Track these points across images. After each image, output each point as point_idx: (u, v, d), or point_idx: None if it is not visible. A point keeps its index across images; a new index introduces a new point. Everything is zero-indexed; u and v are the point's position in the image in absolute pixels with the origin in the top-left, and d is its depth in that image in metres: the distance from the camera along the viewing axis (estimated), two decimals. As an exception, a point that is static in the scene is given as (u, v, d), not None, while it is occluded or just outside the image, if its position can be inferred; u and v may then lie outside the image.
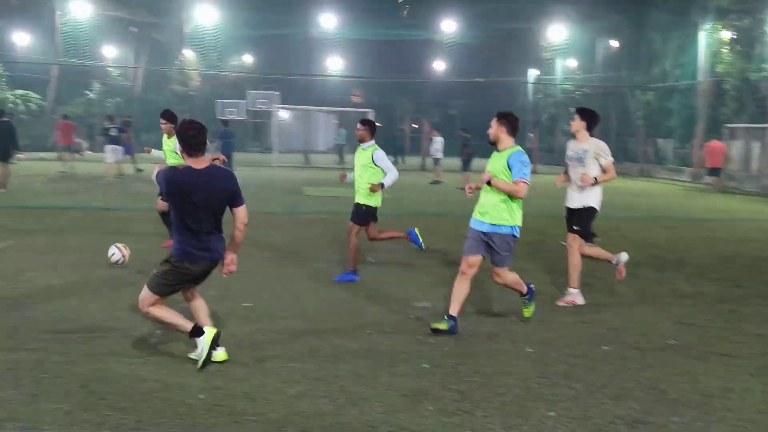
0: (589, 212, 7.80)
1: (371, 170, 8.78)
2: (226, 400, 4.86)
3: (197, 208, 5.41)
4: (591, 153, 7.72)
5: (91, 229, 12.38)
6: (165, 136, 10.41)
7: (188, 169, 5.43)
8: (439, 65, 54.83)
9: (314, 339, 6.29)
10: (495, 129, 6.61)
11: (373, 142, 8.92)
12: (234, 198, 5.59)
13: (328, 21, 40.18)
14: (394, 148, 43.84)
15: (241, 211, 5.65)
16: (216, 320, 6.68)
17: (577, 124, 7.86)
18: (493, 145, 6.68)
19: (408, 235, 9.57)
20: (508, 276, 6.78)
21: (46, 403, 4.67)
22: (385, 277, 9.13)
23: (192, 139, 5.42)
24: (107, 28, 43.98)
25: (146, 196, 17.68)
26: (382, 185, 8.67)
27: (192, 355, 5.51)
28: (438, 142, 26.29)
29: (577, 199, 7.85)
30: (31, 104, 43.91)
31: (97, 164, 26.00)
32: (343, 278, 8.76)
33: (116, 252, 8.86)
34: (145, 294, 5.51)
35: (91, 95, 46.69)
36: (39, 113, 42.61)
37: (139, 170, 24.73)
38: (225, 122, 23.95)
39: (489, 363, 5.80)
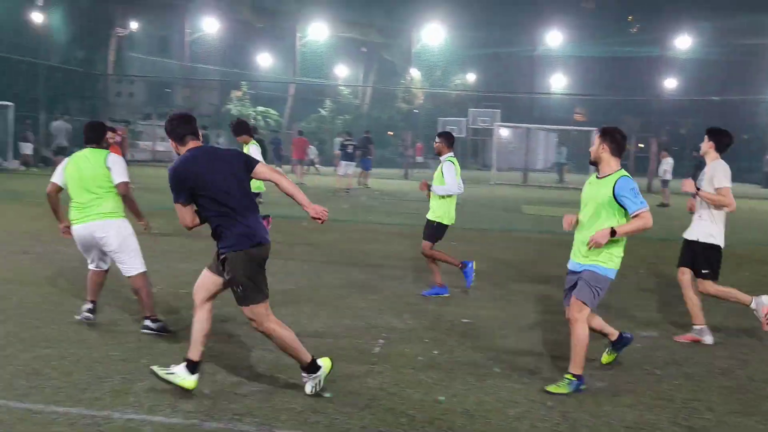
0: (710, 250, 6.89)
1: (440, 182, 8.51)
2: (446, 414, 4.91)
3: (220, 184, 4.96)
4: (708, 175, 6.88)
5: (320, 240, 13.03)
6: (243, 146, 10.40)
7: (185, 156, 5.08)
8: (670, 83, 52.20)
9: (535, 360, 6.20)
10: (596, 147, 5.57)
11: (450, 153, 8.66)
12: (248, 160, 5.16)
13: (553, 39, 39.72)
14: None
15: (263, 166, 5.19)
16: (433, 334, 6.81)
17: (705, 146, 7.03)
18: (595, 166, 5.71)
19: (463, 264, 8.94)
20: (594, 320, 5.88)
21: (281, 402, 4.98)
22: (613, 299, 8.80)
23: (178, 128, 5.11)
24: (340, 48, 46.43)
25: (372, 209, 18.40)
26: (428, 185, 8.39)
27: (159, 370, 5.03)
28: (667, 163, 24.98)
29: (694, 231, 7.04)
30: (269, 120, 47.33)
31: (326, 177, 27.47)
32: (430, 292, 8.58)
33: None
34: (256, 310, 5.14)
35: (323, 112, 49.49)
36: (276, 128, 45.76)
37: (366, 186, 26.17)
38: (439, 135, 24.37)
39: (724, 401, 5.41)
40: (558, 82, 51.29)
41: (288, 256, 10.63)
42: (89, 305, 6.67)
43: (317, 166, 35.25)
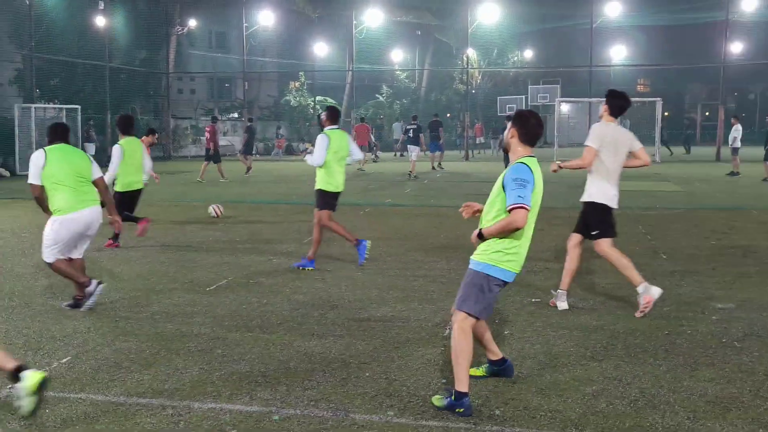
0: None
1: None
2: (520, 394, 4.88)
3: None
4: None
5: (379, 225, 13.06)
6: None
7: None
8: (736, 47, 50.42)
9: (608, 337, 6.11)
10: (507, 133, 5.04)
11: (330, 127, 9.04)
12: None
13: (612, 9, 38.82)
14: (684, 137, 41.27)
15: None
16: (502, 315, 6.77)
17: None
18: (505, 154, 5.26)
19: (357, 242, 9.14)
20: None
21: (353, 388, 5.02)
22: (687, 272, 8.61)
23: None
24: (395, 33, 46.29)
25: (443, 192, 18.33)
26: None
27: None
28: (736, 131, 24.21)
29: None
30: (327, 109, 47.54)
31: (385, 163, 27.45)
32: (301, 264, 8.95)
33: (212, 210, 13.23)
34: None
35: (380, 98, 49.51)
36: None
37: (441, 168, 26.40)
38: (509, 118, 24.04)
39: (808, 373, 5.24)
40: (618, 54, 50.10)
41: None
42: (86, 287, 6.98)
43: (377, 152, 35.35)
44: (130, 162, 10.56)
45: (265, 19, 41.43)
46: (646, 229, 12.12)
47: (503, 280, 4.85)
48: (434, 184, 21.47)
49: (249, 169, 24.69)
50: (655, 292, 6.78)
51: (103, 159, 29.72)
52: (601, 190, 7.05)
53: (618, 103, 7.11)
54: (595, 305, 7.24)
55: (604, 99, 7.18)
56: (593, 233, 7.05)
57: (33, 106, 26.33)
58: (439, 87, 50.99)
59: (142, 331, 6.29)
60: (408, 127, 25.65)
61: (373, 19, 41.08)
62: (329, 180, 8.93)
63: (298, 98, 48.22)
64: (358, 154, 9.67)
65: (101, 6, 32.39)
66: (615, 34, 46.94)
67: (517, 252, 4.99)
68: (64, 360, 5.55)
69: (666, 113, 40.84)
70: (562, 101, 38.21)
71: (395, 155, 36.73)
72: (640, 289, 6.82)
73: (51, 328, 6.39)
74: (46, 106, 27.62)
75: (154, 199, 16.12)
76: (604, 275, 8.50)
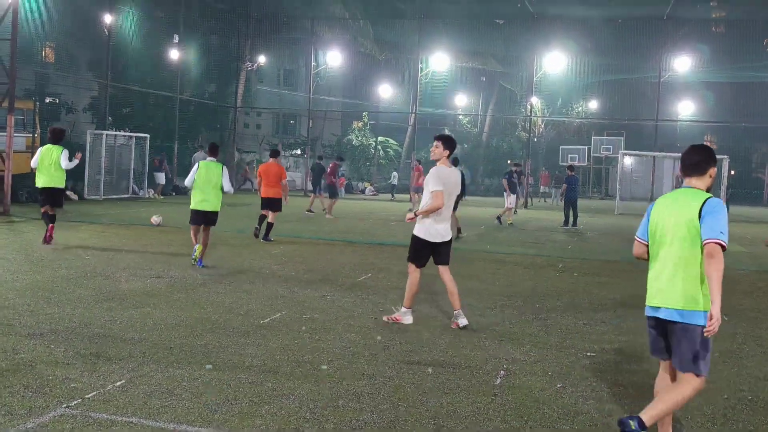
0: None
1: None
2: (571, 450, 4.77)
3: None
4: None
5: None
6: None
7: None
8: (809, 108, 49.30)
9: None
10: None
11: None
12: None
13: (681, 64, 38.43)
14: (750, 196, 40.29)
15: None
16: (556, 367, 6.64)
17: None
18: None
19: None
20: None
21: (402, 431, 4.98)
22: (741, 337, 8.35)
23: None
24: (460, 78, 46.62)
25: (500, 239, 18.22)
26: None
27: None
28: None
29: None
30: (389, 150, 48.00)
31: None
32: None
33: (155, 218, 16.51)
34: None
35: (442, 142, 49.71)
36: (396, 158, 46.31)
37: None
38: (571, 168, 23.80)
39: None
40: (686, 109, 49.47)
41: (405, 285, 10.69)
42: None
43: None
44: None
45: (333, 59, 42.19)
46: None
47: None
48: (493, 230, 21.36)
49: (311, 209, 24.77)
50: (409, 319, 8.16)
51: (167, 188, 30.44)
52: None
53: (454, 147, 8.19)
54: (651, 364, 7.06)
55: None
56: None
57: (105, 132, 27.19)
58: (501, 133, 51.00)
59: (195, 360, 6.36)
60: (513, 170, 24.85)
61: (438, 63, 41.48)
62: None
63: (360, 138, 48.79)
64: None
65: (176, 39, 33.45)
66: (682, 89, 46.43)
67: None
68: (119, 383, 5.64)
69: (732, 171, 40.02)
70: (626, 154, 37.79)
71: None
72: (403, 309, 8.22)
73: (108, 351, 6.51)
74: (117, 133, 28.48)
75: (216, 229, 16.38)
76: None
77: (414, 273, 8.24)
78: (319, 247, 15.31)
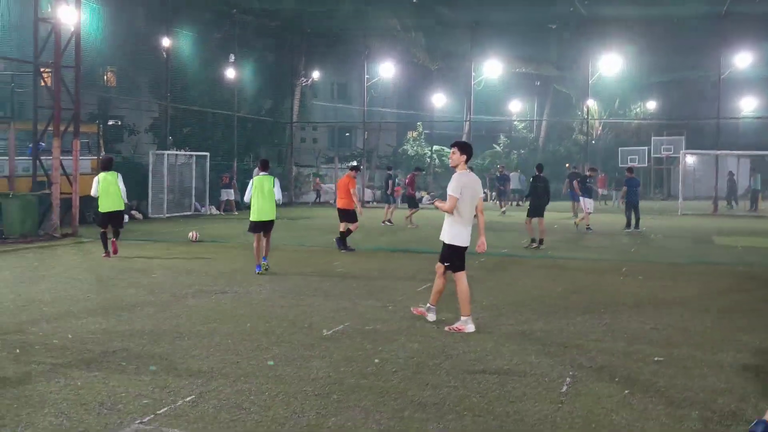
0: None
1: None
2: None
3: None
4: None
5: (497, 276, 12.93)
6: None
7: None
8: None
9: (737, 401, 5.81)
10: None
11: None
12: None
13: (742, 60, 37.45)
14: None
15: None
16: (624, 372, 6.55)
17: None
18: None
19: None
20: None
21: (468, 438, 4.98)
22: None
23: None
24: (514, 84, 46.31)
25: (563, 244, 18.04)
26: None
27: None
28: None
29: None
30: (444, 159, 47.90)
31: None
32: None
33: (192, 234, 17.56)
34: None
35: (498, 148, 49.47)
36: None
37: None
38: (630, 170, 23.34)
39: None
40: (748, 105, 48.16)
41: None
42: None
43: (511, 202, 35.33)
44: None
45: (386, 71, 42.38)
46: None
47: None
48: (553, 235, 21.13)
49: (389, 219, 24.69)
50: (472, 327, 8.21)
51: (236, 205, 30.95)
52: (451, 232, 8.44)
53: (470, 153, 8.46)
54: (723, 366, 6.90)
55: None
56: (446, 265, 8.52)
57: (166, 152, 27.82)
58: (558, 138, 50.40)
59: (262, 373, 6.46)
60: (587, 174, 24.23)
61: (491, 70, 41.31)
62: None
63: (415, 147, 48.83)
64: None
65: (232, 59, 34.04)
66: (744, 85, 45.19)
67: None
68: (188, 398, 5.77)
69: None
70: (688, 153, 36.97)
71: (512, 204, 36.33)
72: (465, 318, 8.26)
73: (177, 366, 6.66)
74: (178, 152, 29.10)
75: (277, 243, 16.64)
76: (735, 336, 8.11)
77: (463, 279, 8.40)
78: (378, 257, 15.37)
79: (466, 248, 8.41)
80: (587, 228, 22.01)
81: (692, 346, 7.66)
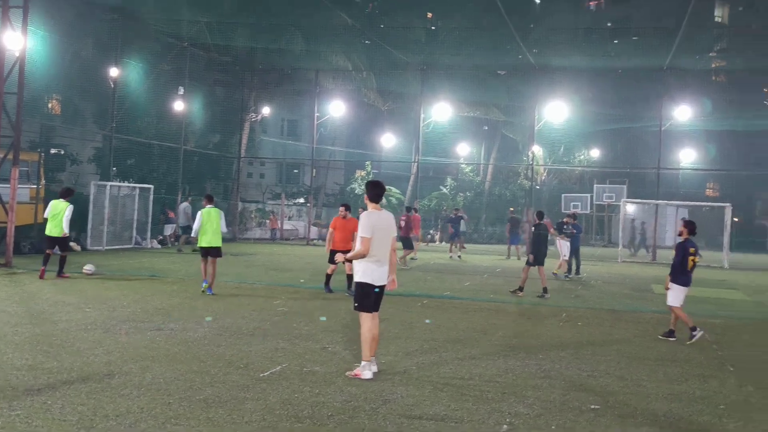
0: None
1: None
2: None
3: None
4: None
5: (436, 318, 12.91)
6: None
7: None
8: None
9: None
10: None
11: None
12: None
13: (682, 113, 38.70)
14: (754, 243, 40.19)
15: None
16: (560, 420, 6.54)
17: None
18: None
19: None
20: None
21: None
22: (748, 388, 8.24)
23: None
24: (462, 127, 46.95)
25: (502, 287, 18.11)
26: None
27: None
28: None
29: None
30: (392, 198, 48.13)
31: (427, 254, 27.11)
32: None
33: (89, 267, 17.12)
34: None
35: (445, 190, 49.94)
36: (398, 206, 46.46)
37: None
38: (573, 216, 23.60)
39: None
40: (687, 157, 49.66)
41: (408, 336, 10.61)
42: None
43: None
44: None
45: (336, 109, 42.58)
46: (712, 338, 11.70)
47: None
48: (495, 279, 21.27)
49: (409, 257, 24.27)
50: (372, 372, 7.92)
51: (168, 238, 30.46)
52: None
53: (376, 191, 8.30)
54: (657, 416, 6.94)
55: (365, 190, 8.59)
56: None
57: (108, 183, 27.31)
58: (504, 181, 51.15)
59: (194, 415, 6.28)
60: (565, 221, 22.86)
61: (441, 113, 41.85)
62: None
63: (363, 186, 48.98)
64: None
65: (181, 92, 33.82)
66: (684, 137, 46.70)
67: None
68: (115, 440, 5.56)
69: (736, 219, 40.01)
70: (628, 202, 37.83)
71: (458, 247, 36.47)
72: (364, 363, 7.96)
73: (105, 406, 6.43)
74: (121, 184, 28.62)
75: (218, 279, 16.39)
76: (671, 386, 8.20)
77: (367, 321, 8.04)
78: (318, 297, 15.22)
79: (376, 288, 8.05)
80: (565, 275, 21.84)
81: (628, 395, 7.71)
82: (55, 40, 25.87)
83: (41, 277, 15.92)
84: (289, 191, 50.92)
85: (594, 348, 10.43)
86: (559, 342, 10.79)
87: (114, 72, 29.16)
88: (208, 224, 14.77)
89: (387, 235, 8.19)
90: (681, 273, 11.29)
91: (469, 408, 6.92)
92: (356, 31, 34.26)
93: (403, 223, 24.52)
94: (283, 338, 10.08)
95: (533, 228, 17.85)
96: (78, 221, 25.16)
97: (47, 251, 16.55)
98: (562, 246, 22.12)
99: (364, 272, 8.08)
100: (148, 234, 29.34)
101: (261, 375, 7.87)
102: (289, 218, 45.42)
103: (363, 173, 50.44)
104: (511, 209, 37.67)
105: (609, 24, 42.18)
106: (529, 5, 45.57)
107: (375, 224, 8.06)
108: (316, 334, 10.49)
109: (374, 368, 8.00)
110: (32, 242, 22.95)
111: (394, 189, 49.81)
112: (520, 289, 16.89)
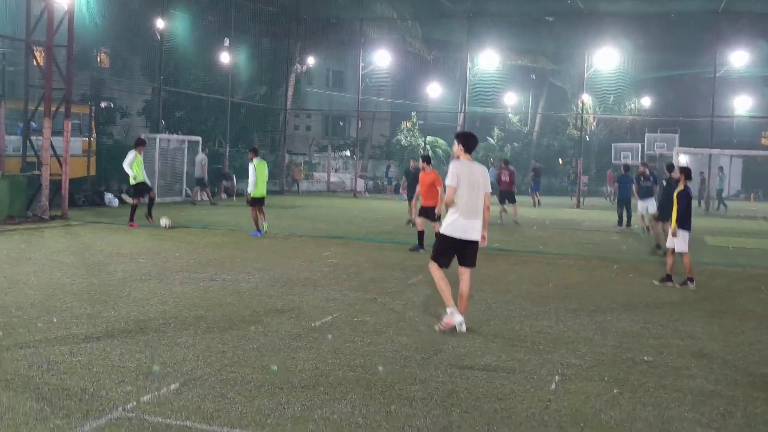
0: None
1: None
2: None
3: None
4: None
5: (486, 269, 12.87)
6: None
7: None
8: None
9: (726, 402, 5.77)
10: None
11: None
12: None
13: (738, 59, 37.49)
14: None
15: None
16: (613, 371, 6.49)
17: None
18: None
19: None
20: None
21: (455, 436, 4.92)
22: None
23: None
24: (509, 76, 46.22)
25: (552, 240, 17.99)
26: None
27: None
28: None
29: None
30: (438, 150, 47.83)
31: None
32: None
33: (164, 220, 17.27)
34: None
35: (492, 141, 49.39)
36: (445, 158, 46.20)
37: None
38: (626, 167, 23.12)
39: None
40: (742, 105, 48.25)
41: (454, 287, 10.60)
42: None
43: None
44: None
45: (381, 59, 42.22)
46: (770, 290, 11.48)
47: None
48: (544, 231, 21.11)
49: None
50: (458, 318, 7.78)
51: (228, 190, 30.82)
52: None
53: (468, 142, 8.06)
54: (712, 367, 6.85)
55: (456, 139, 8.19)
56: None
57: (158, 136, 27.59)
58: (552, 132, 50.37)
59: (248, 363, 6.38)
60: (641, 173, 20.65)
61: (487, 61, 41.21)
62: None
63: (409, 138, 48.74)
64: None
65: (227, 43, 33.86)
66: (739, 84, 45.28)
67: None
68: (173, 386, 5.69)
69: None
70: (681, 151, 37.00)
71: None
72: (448, 310, 7.84)
73: (162, 354, 6.58)
74: (170, 136, 28.91)
75: (270, 230, 16.58)
76: (726, 337, 8.08)
77: (435, 271, 7.97)
78: (369, 249, 15.29)
79: (455, 241, 7.83)
80: (647, 229, 19.70)
81: (682, 347, 7.61)
82: (102, -8, 25.99)
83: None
84: (335, 143, 50.91)
85: (646, 299, 10.31)
86: (612, 294, 10.69)
87: (161, 24, 29.25)
88: (260, 176, 16.36)
89: (477, 187, 7.86)
90: (686, 219, 11.41)
91: (520, 359, 6.91)
92: (401, -21, 33.79)
93: (507, 178, 23.25)
94: (333, 289, 10.16)
95: (664, 183, 16.23)
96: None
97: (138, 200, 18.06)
98: (647, 202, 19.93)
99: (447, 224, 7.88)
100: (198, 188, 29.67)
101: (312, 324, 7.95)
102: (336, 170, 45.50)
103: (408, 124, 50.13)
104: (535, 160, 38.44)
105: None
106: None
107: (463, 174, 7.80)
108: (365, 285, 10.55)
109: (458, 317, 7.80)
110: (86, 194, 23.42)
111: (440, 140, 49.47)
112: (658, 246, 15.59)
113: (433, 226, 14.11)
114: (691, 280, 11.37)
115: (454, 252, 7.94)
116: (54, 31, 18.74)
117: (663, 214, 15.37)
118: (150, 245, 14.22)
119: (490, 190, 8.04)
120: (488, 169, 20.73)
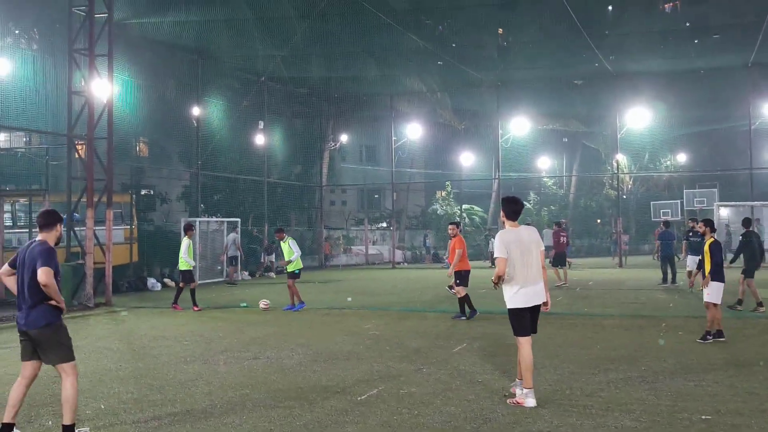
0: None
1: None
2: None
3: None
4: None
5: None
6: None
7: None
8: None
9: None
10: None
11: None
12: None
13: (770, 110, 37.30)
14: None
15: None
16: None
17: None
18: None
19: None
20: None
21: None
22: None
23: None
24: (541, 140, 46.36)
25: (596, 301, 17.71)
26: None
27: None
28: None
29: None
30: (474, 217, 47.87)
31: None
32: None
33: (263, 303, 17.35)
34: None
35: (528, 205, 49.31)
36: (482, 225, 46.15)
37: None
38: (666, 223, 22.86)
39: None
40: (781, 155, 47.69)
41: (502, 352, 10.43)
42: None
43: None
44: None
45: (413, 132, 42.73)
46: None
47: None
48: (587, 292, 20.80)
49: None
50: (531, 403, 7.40)
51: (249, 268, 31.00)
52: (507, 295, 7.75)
53: (512, 208, 7.81)
54: (774, 425, 6.60)
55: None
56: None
57: (197, 219, 28.02)
58: (589, 193, 50.16)
59: (296, 441, 6.31)
60: (690, 228, 20.74)
61: (518, 127, 41.46)
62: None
63: (444, 207, 48.85)
64: None
65: (261, 126, 34.59)
66: (775, 135, 44.79)
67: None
68: (221, 468, 5.62)
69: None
70: (722, 205, 36.50)
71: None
72: (525, 390, 7.51)
73: (209, 435, 6.54)
74: (210, 219, 29.34)
75: (308, 306, 16.59)
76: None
77: (525, 346, 7.61)
78: (408, 318, 15.17)
79: (527, 309, 7.59)
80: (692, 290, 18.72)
81: (740, 404, 7.37)
82: (138, 84, 26.85)
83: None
84: (371, 216, 51.19)
85: (698, 356, 10.04)
86: (661, 352, 10.43)
87: (196, 111, 30.06)
88: (289, 251, 17.33)
89: (530, 252, 7.64)
90: (718, 272, 11.42)
91: (573, 423, 6.73)
92: (428, 53, 34.31)
93: (564, 239, 23.44)
94: (377, 361, 10.07)
95: (741, 237, 16.57)
96: (170, 258, 25.95)
97: (183, 285, 18.11)
98: (691, 259, 19.52)
99: (512, 298, 7.63)
100: (238, 266, 29.92)
101: (359, 398, 7.86)
102: (374, 243, 45.63)
103: (443, 193, 50.32)
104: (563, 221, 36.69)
105: (687, 24, 40.97)
106: (602, 12, 44.86)
107: (511, 243, 7.57)
108: (409, 356, 10.44)
109: (531, 402, 7.44)
110: (129, 280, 23.75)
111: (476, 207, 49.52)
112: (760, 304, 15.43)
113: (456, 291, 14.80)
114: (709, 333, 11.20)
115: (530, 316, 7.68)
116: (94, 124, 19.35)
117: (749, 270, 15.74)
118: (193, 327, 14.29)
119: (542, 246, 7.82)
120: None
